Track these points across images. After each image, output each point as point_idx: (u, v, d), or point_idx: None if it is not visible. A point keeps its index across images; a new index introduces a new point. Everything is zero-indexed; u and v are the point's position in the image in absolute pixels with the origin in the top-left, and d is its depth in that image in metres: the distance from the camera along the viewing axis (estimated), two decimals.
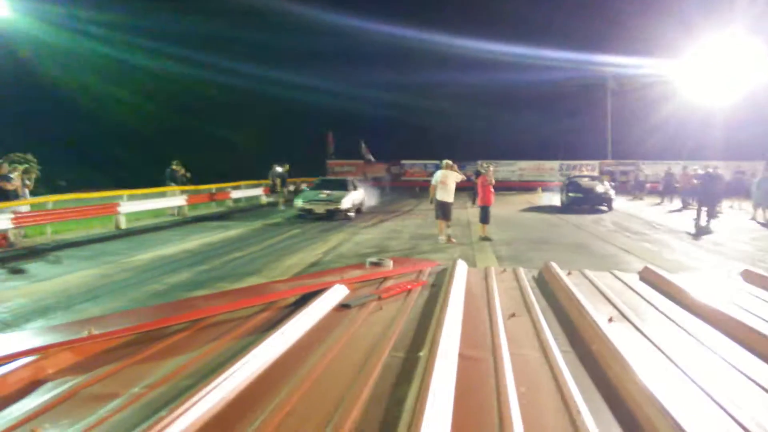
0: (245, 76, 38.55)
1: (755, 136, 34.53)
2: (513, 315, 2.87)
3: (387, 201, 26.46)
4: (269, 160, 24.43)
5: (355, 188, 20.10)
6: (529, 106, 41.50)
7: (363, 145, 37.42)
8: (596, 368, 2.20)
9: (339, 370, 2.18)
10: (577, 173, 30.92)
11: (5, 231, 12.24)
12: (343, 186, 19.93)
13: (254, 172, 26.62)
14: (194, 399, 1.73)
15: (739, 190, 22.86)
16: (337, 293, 3.31)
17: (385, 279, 3.91)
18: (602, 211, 21.18)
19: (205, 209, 21.47)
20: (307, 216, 18.07)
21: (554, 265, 4.00)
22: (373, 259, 4.44)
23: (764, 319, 2.84)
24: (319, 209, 18.05)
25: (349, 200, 18.54)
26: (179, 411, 1.64)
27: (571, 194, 22.08)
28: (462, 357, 2.22)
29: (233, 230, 15.44)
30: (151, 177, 20.80)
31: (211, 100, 40.98)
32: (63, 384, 2.01)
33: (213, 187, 23.30)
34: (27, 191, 14.07)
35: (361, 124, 40.88)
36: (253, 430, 1.64)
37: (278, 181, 23.92)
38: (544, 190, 32.06)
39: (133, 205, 16.94)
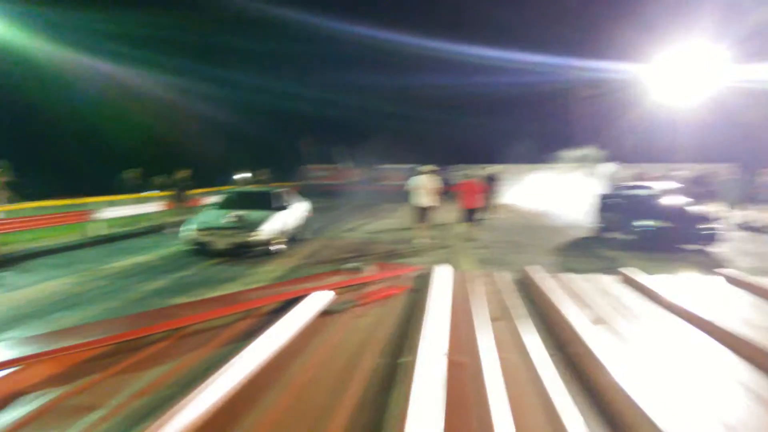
0: (217, 82, 38.36)
1: (720, 139, 35.61)
2: (495, 319, 2.89)
3: (361, 206, 26.42)
4: (243, 168, 23.79)
5: (285, 205, 13.32)
6: (501, 109, 41.98)
7: (339, 150, 37.39)
8: (578, 371, 2.22)
9: (322, 377, 2.17)
10: (623, 182, 17.44)
11: None
12: (265, 201, 13.05)
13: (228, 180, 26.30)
14: (176, 409, 1.70)
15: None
16: (318, 300, 3.29)
17: (366, 284, 3.90)
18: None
19: (179, 216, 21.22)
20: (201, 252, 11.66)
21: (536, 268, 4.04)
22: (353, 265, 4.43)
23: (744, 321, 2.90)
24: (220, 242, 11.48)
25: (272, 225, 11.94)
26: (162, 421, 1.61)
27: (643, 223, 12.44)
28: (447, 361, 2.23)
29: None
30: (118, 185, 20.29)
31: (179, 106, 40.40)
32: (43, 396, 1.96)
33: (194, 192, 23.07)
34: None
35: (337, 129, 40.86)
36: None
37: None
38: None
39: (107, 212, 16.68)
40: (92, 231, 15.48)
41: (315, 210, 20.48)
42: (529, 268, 4.11)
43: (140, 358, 2.35)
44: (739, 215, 18.11)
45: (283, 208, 13.12)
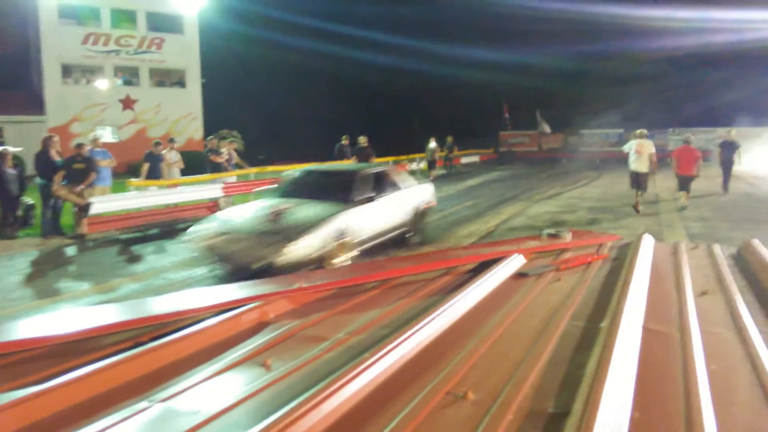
0: (415, 55, 39.90)
1: None
2: (705, 293, 2.73)
3: (562, 173, 25.35)
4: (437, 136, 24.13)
5: (378, 195, 7.93)
6: (738, 65, 36.66)
7: (538, 115, 36.08)
8: None
9: (518, 333, 2.29)
10: None
11: (217, 199, 14.00)
12: (343, 189, 7.66)
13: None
14: (390, 347, 1.96)
15: None
16: (515, 262, 3.39)
17: (563, 251, 3.89)
18: None
19: None
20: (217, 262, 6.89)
21: (756, 242, 3.66)
22: (551, 231, 4.41)
23: None
24: (231, 255, 6.41)
25: (320, 236, 6.37)
26: (379, 355, 1.89)
27: None
28: (646, 330, 2.20)
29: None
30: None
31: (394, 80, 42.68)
32: (282, 326, 2.38)
33: (381, 160, 24.25)
34: (233, 164, 15.78)
35: (537, 95, 39.48)
36: (441, 378, 1.83)
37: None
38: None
39: None
40: None
41: (510, 177, 20.06)
42: (748, 240, 3.74)
43: (357, 302, 2.70)
44: None
45: (373, 199, 7.76)
